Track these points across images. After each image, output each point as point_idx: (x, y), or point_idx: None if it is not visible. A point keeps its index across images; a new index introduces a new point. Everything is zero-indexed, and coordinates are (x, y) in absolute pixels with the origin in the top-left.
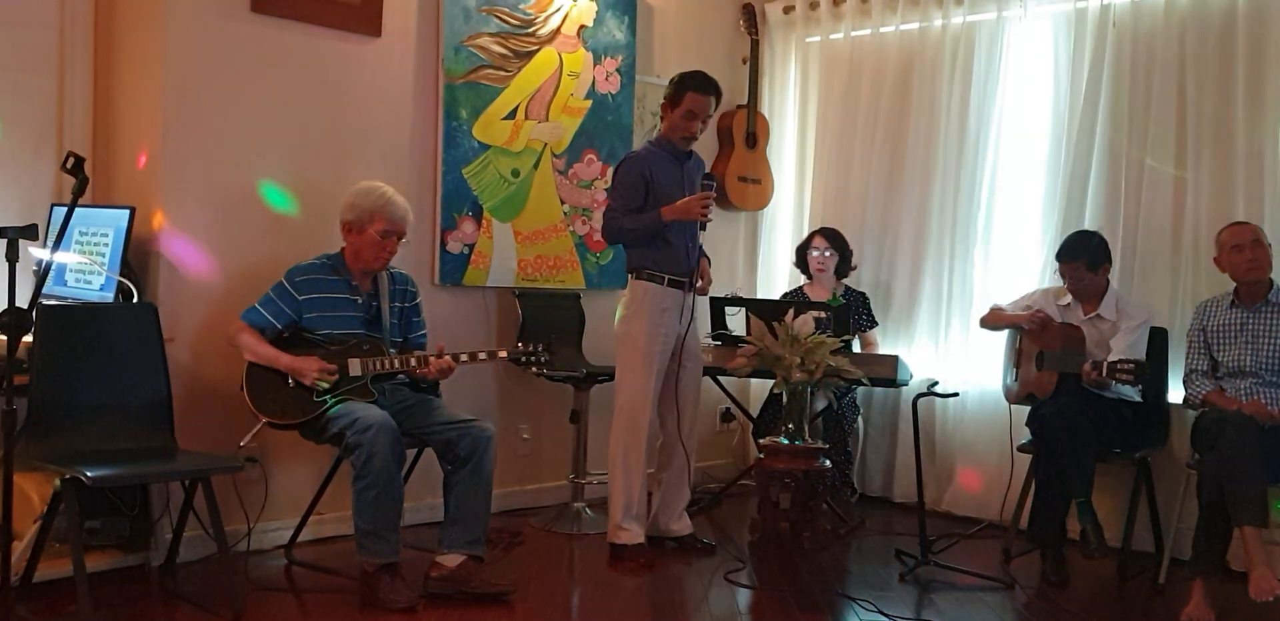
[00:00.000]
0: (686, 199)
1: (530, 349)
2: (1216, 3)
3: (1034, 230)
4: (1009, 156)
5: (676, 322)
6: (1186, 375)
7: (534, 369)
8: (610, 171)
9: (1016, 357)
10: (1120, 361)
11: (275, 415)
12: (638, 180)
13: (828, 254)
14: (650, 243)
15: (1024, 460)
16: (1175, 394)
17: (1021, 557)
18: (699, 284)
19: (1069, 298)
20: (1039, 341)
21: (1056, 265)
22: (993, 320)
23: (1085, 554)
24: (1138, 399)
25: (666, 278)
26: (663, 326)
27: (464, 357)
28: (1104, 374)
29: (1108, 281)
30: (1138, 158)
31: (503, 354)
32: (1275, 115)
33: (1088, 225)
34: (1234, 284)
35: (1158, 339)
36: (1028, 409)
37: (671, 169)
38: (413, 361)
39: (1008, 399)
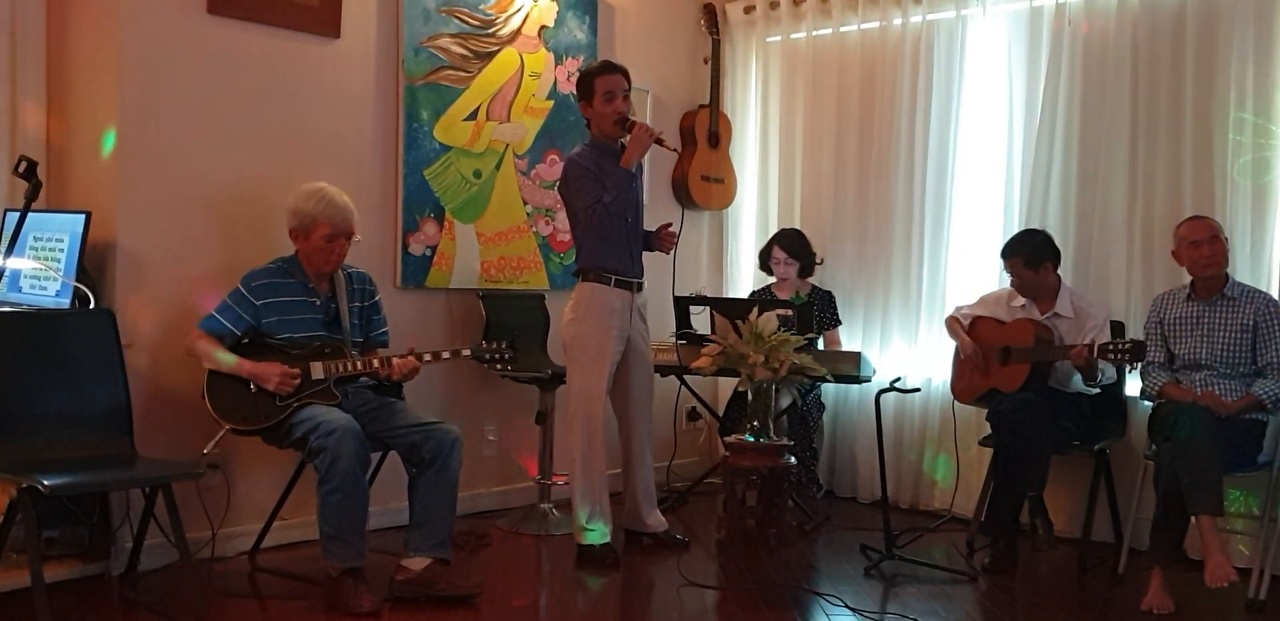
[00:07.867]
0: (633, 135)
1: (494, 346)
2: (1167, 3)
3: (996, 226)
4: (970, 153)
5: (626, 323)
6: (1143, 367)
7: (499, 366)
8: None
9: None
10: (1114, 341)
11: (238, 421)
12: (589, 172)
13: (786, 263)
14: (602, 241)
15: (987, 453)
16: (1132, 386)
17: (985, 550)
18: (664, 243)
19: (1022, 298)
20: (1007, 339)
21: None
22: (950, 329)
23: (1035, 547)
24: (1095, 391)
25: (614, 279)
26: (613, 327)
27: (427, 357)
28: (1094, 354)
29: (1059, 279)
30: (1093, 153)
31: (466, 352)
32: (1222, 111)
33: (1049, 220)
34: (1190, 277)
35: (1115, 332)
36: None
37: (612, 168)
38: (375, 363)
39: (957, 398)
